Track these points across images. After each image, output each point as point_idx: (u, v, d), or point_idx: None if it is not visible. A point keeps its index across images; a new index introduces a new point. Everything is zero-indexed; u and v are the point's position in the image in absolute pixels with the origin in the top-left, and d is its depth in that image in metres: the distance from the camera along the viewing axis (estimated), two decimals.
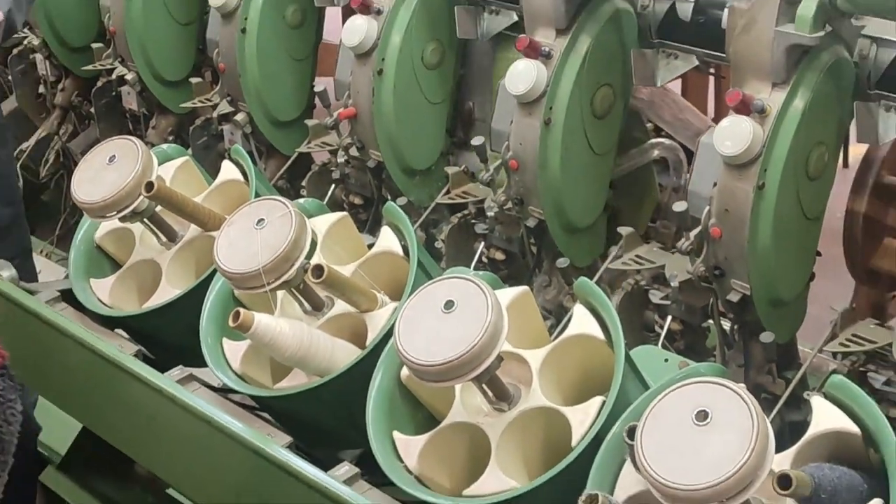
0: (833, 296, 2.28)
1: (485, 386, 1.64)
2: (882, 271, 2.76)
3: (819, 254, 2.26)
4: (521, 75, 2.24)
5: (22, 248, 2.53)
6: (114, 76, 3.11)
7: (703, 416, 1.34)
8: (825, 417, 1.48)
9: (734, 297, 1.89)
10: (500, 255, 2.50)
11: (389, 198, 2.53)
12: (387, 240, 2.03)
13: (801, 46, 1.98)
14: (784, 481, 1.32)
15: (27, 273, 2.41)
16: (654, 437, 1.36)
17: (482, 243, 2.48)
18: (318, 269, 1.85)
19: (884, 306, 2.82)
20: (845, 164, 3.14)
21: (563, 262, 2.41)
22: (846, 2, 1.91)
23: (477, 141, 2.50)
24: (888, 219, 2.78)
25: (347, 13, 2.57)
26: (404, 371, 1.73)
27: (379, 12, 2.50)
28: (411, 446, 1.69)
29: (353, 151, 2.63)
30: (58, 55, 3.30)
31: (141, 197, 2.08)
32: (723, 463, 1.30)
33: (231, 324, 1.83)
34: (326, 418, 1.90)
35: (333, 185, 2.70)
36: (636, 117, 2.61)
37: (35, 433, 2.56)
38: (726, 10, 2.06)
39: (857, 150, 2.88)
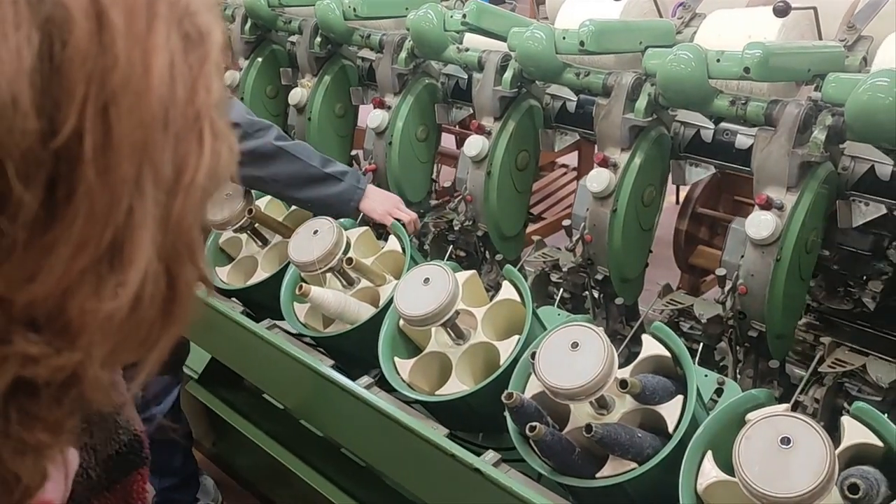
0: (664, 279, 2.21)
1: (449, 329, 1.64)
2: (697, 265, 2.86)
3: (651, 251, 2.21)
4: (473, 143, 2.24)
5: None
6: None
7: (575, 345, 1.34)
8: (651, 347, 1.49)
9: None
10: (462, 253, 2.49)
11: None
12: (393, 243, 2.02)
13: (638, 126, 1.98)
14: (623, 384, 1.32)
15: None
16: (546, 358, 1.36)
17: (451, 246, 2.47)
18: (350, 260, 1.85)
19: (698, 287, 2.89)
20: (677, 202, 3.10)
21: (499, 257, 2.40)
22: (664, 100, 1.92)
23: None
24: (699, 233, 2.88)
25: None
26: (401, 321, 1.72)
27: (389, 107, 2.50)
28: (405, 366, 1.69)
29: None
30: None
31: (245, 217, 2.08)
32: (587, 372, 1.30)
33: (297, 293, 1.83)
34: (355, 349, 1.88)
35: None
36: None
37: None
38: (595, 107, 2.05)
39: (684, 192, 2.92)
